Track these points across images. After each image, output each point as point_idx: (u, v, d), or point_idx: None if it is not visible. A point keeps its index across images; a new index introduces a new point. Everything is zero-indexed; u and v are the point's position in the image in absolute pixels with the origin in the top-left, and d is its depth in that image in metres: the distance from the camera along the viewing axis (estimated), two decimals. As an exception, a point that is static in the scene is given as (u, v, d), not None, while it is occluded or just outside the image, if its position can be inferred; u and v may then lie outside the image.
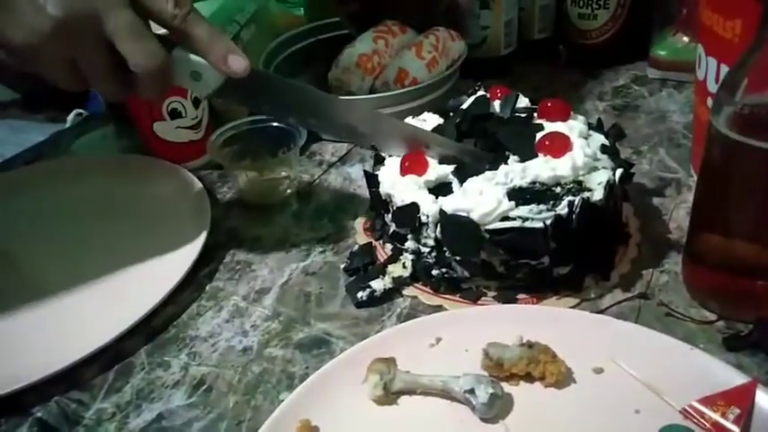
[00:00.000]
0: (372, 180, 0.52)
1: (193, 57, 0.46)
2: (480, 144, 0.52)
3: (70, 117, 0.82)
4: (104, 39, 0.42)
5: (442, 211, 0.46)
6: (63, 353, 0.46)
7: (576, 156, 0.48)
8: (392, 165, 0.52)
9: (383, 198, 0.51)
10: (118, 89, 0.45)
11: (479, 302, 0.48)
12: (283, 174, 0.62)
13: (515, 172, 0.47)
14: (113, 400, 0.45)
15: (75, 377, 0.46)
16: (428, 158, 0.51)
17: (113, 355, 0.47)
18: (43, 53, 0.42)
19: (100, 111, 0.81)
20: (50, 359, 0.45)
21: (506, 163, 0.49)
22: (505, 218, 0.45)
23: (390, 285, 0.50)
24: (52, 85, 0.45)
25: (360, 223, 0.58)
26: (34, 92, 0.83)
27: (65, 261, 0.57)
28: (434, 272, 0.49)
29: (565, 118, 0.52)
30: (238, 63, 0.46)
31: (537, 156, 0.49)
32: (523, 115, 0.54)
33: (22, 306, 0.52)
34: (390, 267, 0.51)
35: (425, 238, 0.48)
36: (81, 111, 0.83)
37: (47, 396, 0.45)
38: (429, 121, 0.56)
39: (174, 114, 0.64)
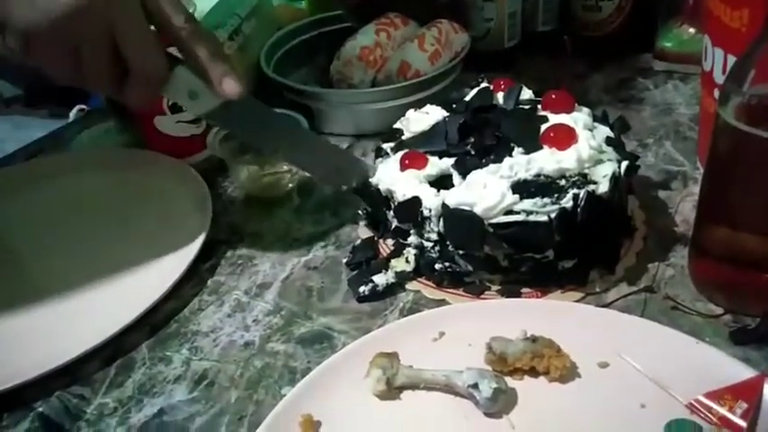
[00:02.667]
0: (365, 193, 0.53)
1: (193, 76, 0.46)
2: (484, 136, 0.51)
3: (72, 112, 0.83)
4: (111, 37, 0.42)
5: (444, 206, 0.46)
6: (64, 348, 0.46)
7: (581, 148, 0.47)
8: (391, 161, 0.52)
9: (384, 195, 0.50)
10: (110, 88, 0.45)
11: (483, 296, 0.48)
12: (284, 168, 0.62)
13: (520, 164, 0.47)
14: (115, 394, 0.44)
15: (76, 372, 0.46)
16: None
17: (115, 350, 0.47)
18: (48, 40, 0.41)
19: (102, 106, 0.81)
20: (52, 354, 0.45)
21: (511, 155, 0.48)
22: (509, 211, 0.44)
23: (393, 280, 0.49)
24: (51, 80, 0.44)
25: (362, 217, 0.57)
26: (35, 87, 0.83)
27: (66, 256, 0.56)
28: (437, 266, 0.49)
29: (569, 110, 0.51)
30: (232, 87, 0.46)
31: (542, 148, 0.48)
32: (527, 107, 0.53)
33: (23, 301, 0.52)
34: (393, 262, 0.51)
35: (428, 232, 0.48)
36: (83, 106, 0.83)
37: (48, 391, 0.45)
38: (432, 113, 0.55)
39: (175, 108, 0.64)
